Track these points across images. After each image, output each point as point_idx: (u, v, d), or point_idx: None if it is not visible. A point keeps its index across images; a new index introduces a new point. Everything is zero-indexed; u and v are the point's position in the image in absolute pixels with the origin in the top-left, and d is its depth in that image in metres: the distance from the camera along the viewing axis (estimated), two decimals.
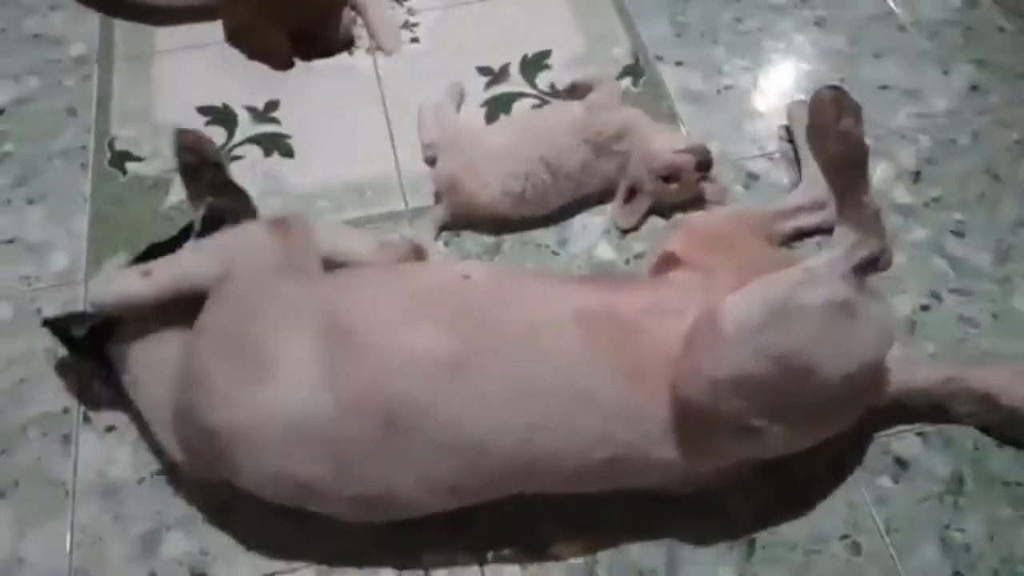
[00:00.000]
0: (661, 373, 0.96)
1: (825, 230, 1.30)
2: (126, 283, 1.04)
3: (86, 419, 1.16)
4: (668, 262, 1.16)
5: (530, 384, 0.94)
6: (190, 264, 1.04)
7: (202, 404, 0.95)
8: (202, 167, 1.29)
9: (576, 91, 1.39)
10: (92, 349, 1.09)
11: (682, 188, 1.32)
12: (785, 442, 0.98)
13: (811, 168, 1.29)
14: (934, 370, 1.11)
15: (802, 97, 1.49)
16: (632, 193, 1.33)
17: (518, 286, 1.04)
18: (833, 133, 0.95)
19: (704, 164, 1.30)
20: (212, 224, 1.12)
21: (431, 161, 1.39)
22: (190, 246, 1.10)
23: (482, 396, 0.93)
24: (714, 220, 1.27)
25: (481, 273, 1.05)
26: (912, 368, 1.09)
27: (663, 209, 1.36)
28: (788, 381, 0.92)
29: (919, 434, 1.15)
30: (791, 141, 1.45)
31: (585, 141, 1.31)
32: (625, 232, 1.34)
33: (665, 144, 1.31)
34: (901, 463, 1.13)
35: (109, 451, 1.14)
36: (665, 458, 0.97)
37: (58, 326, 1.11)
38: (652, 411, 0.96)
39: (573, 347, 0.96)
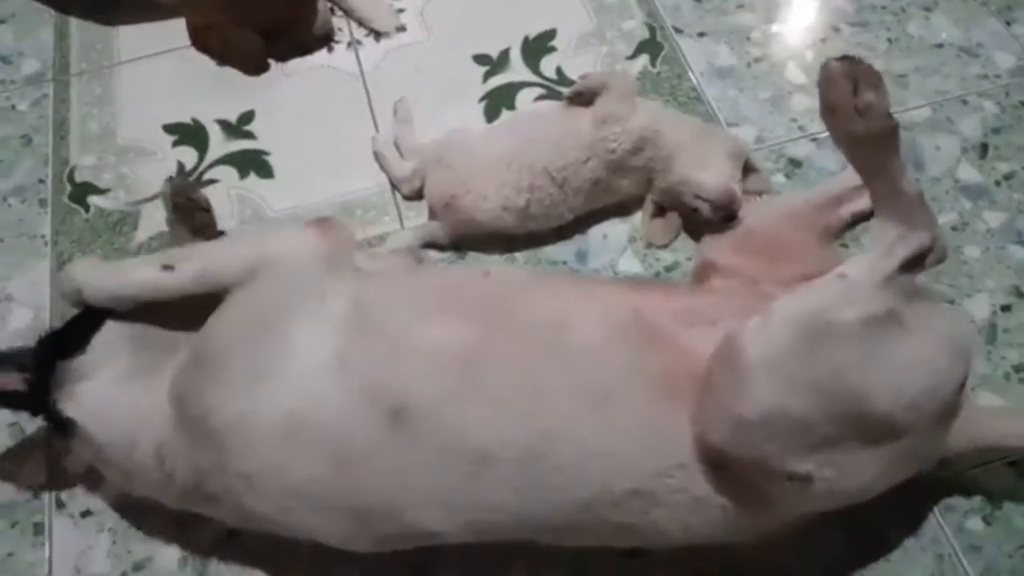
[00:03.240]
0: (690, 390, 0.82)
1: None
2: (144, 275, 0.94)
3: (59, 504, 1.04)
4: (709, 270, 1.03)
5: (545, 385, 0.84)
6: (222, 257, 0.95)
7: (205, 384, 0.87)
8: (193, 211, 1.17)
9: (580, 98, 1.18)
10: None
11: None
12: (845, 490, 0.82)
13: None
14: None
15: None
16: (662, 209, 1.16)
17: (542, 283, 0.98)
18: (851, 110, 0.79)
19: (728, 217, 1.10)
20: None
21: (415, 194, 1.23)
22: (216, 243, 1.06)
23: (493, 395, 0.83)
24: (759, 221, 1.11)
25: (502, 269, 1.01)
26: (1007, 421, 0.93)
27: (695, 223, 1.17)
28: (833, 414, 0.77)
29: (1011, 464, 0.99)
30: None
31: (595, 156, 1.13)
32: (658, 247, 1.18)
33: (704, 173, 1.12)
34: (993, 501, 0.97)
35: (86, 540, 1.01)
36: (705, 500, 0.83)
37: None
38: (680, 434, 0.82)
39: (595, 347, 0.86)
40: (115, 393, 0.93)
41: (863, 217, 1.15)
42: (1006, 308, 1.10)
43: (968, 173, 1.22)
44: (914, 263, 0.82)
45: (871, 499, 0.86)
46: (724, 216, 1.10)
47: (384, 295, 0.93)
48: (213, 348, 0.89)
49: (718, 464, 0.81)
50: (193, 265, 0.94)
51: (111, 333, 0.96)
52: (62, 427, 0.93)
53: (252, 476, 0.85)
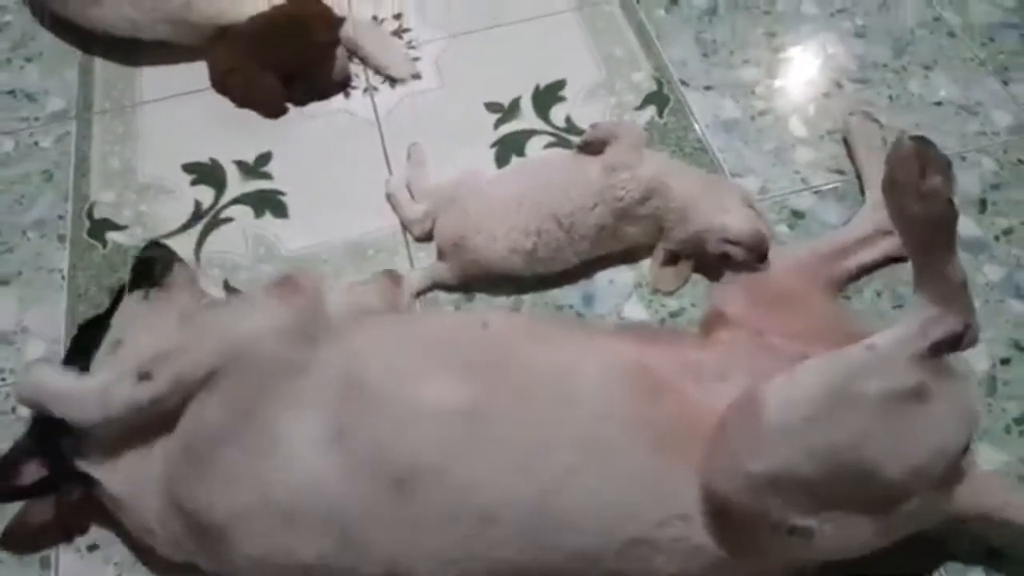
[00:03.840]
0: (694, 443, 0.84)
1: (894, 259, 1.16)
2: (123, 393, 0.90)
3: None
4: (716, 321, 1.05)
5: (547, 440, 0.85)
6: (193, 356, 0.90)
7: (196, 481, 0.87)
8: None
9: (590, 147, 1.22)
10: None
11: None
12: (843, 545, 0.84)
13: (876, 191, 1.17)
14: None
15: (864, 108, 1.35)
16: (673, 257, 1.19)
17: (543, 333, 0.97)
18: (915, 192, 0.79)
19: (762, 258, 1.13)
20: (143, 276, 1.07)
21: (426, 235, 1.25)
22: (184, 335, 0.96)
23: (495, 454, 0.85)
24: (768, 274, 1.13)
25: (501, 321, 1.00)
26: (1012, 491, 0.95)
27: (707, 268, 1.21)
28: (842, 479, 0.79)
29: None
30: (851, 159, 1.31)
31: (603, 203, 1.16)
32: (665, 294, 1.20)
33: (727, 217, 1.14)
34: (994, 553, 0.98)
35: (93, 573, 1.01)
36: (703, 549, 0.84)
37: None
38: (682, 486, 0.84)
39: (597, 400, 0.88)
40: (119, 458, 0.93)
41: (867, 269, 1.18)
42: (1006, 361, 1.12)
43: (967, 228, 1.24)
44: (945, 346, 0.82)
45: (875, 551, 0.87)
46: (756, 257, 1.12)
47: (375, 357, 0.91)
48: (199, 442, 0.88)
49: (720, 513, 0.83)
50: (168, 370, 0.89)
51: None
52: (85, 481, 0.95)
53: (260, 559, 0.86)
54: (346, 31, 1.47)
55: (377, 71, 1.49)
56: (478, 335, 0.96)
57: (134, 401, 0.89)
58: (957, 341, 0.83)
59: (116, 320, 1.04)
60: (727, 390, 0.87)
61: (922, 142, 0.79)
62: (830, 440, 0.78)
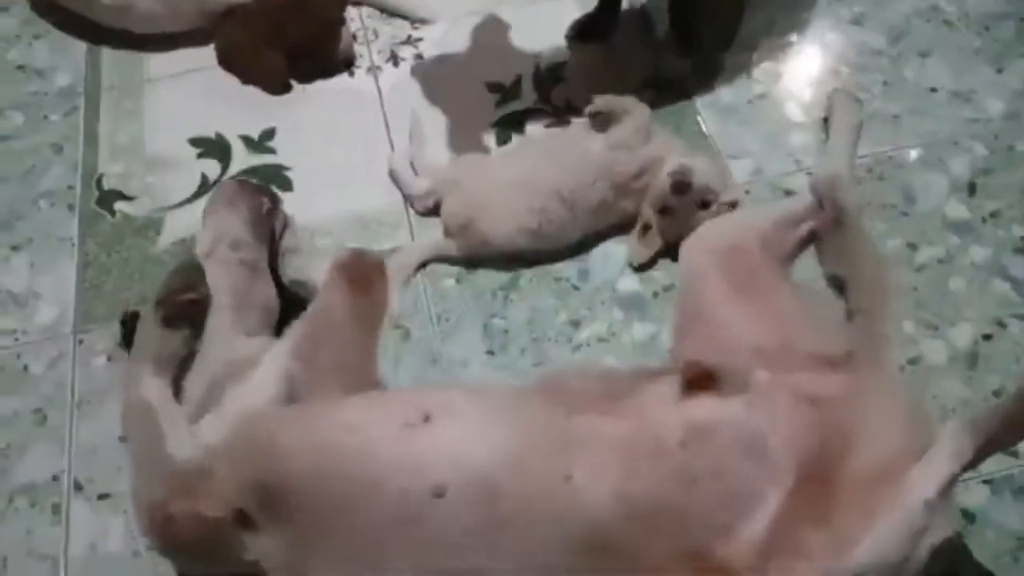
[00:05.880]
0: None
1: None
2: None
3: (77, 487, 1.08)
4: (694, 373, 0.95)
5: None
6: None
7: None
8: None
9: (598, 119, 1.24)
10: None
11: (678, 221, 1.19)
12: None
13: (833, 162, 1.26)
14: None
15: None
16: (646, 229, 1.21)
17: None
18: None
19: (678, 187, 1.15)
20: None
21: (430, 211, 1.28)
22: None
23: None
24: (744, 247, 1.14)
25: (457, 476, 0.82)
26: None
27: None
28: None
29: (986, 482, 1.03)
30: (824, 132, 1.35)
31: (603, 179, 1.20)
32: (637, 269, 1.22)
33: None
34: (968, 516, 1.01)
35: (103, 522, 1.05)
36: None
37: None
38: None
39: None
40: None
41: (813, 238, 1.21)
42: (988, 337, 1.15)
43: (956, 210, 1.27)
44: None
45: None
46: (673, 188, 1.16)
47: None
48: None
49: None
50: None
51: None
52: None
53: None
54: None
55: (404, 17, 1.56)
56: (430, 509, 0.82)
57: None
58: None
59: None
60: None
61: None
62: None
